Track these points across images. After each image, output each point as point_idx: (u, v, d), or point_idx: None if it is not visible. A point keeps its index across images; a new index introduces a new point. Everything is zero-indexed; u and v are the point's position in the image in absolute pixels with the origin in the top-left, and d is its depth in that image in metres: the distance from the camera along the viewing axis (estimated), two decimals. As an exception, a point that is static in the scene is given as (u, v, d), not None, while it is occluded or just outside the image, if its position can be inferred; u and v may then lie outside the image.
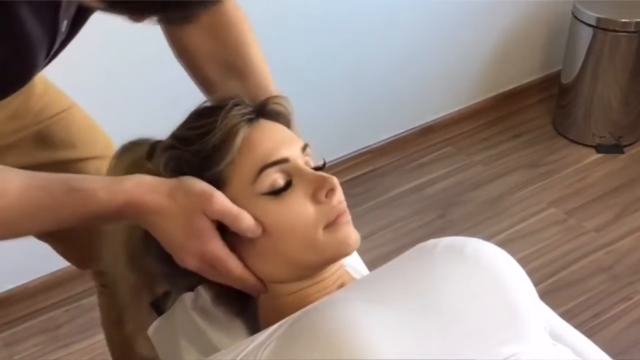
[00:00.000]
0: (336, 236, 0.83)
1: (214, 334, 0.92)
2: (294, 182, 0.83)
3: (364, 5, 2.25)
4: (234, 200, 0.82)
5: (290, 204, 0.82)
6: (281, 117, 0.91)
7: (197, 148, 0.84)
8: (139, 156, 0.91)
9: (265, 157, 0.83)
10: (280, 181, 0.83)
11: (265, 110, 0.90)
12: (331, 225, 0.83)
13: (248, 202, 0.83)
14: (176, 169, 0.84)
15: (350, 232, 0.84)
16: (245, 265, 0.85)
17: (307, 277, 0.86)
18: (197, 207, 0.81)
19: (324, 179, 0.83)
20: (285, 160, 0.84)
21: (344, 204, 0.85)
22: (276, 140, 0.85)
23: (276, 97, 0.91)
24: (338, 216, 0.83)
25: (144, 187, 0.81)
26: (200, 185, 0.82)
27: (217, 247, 0.82)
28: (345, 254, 0.85)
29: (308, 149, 0.88)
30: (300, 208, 0.82)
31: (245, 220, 0.81)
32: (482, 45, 2.62)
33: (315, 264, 0.85)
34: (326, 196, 0.83)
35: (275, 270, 0.85)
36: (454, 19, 2.46)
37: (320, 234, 0.82)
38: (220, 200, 0.81)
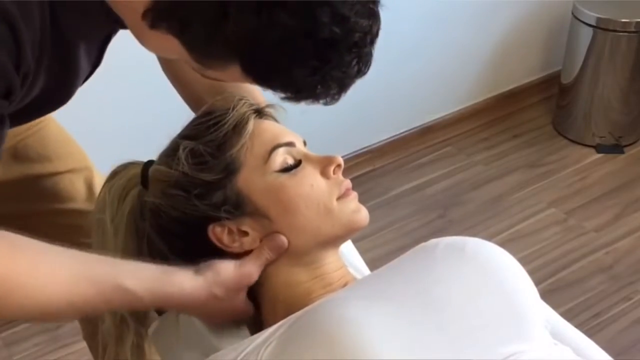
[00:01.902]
0: (350, 206, 0.89)
1: (214, 333, 0.92)
2: (303, 162, 0.89)
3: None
4: (249, 180, 0.86)
5: (303, 177, 0.87)
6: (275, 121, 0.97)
7: (210, 138, 0.88)
8: (130, 178, 0.94)
9: (275, 139, 0.89)
10: (290, 160, 0.88)
11: (264, 112, 0.95)
12: (343, 197, 0.88)
13: (264, 180, 0.87)
14: (191, 159, 0.88)
15: (361, 205, 0.90)
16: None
17: (320, 259, 0.89)
18: (238, 290, 0.88)
19: (330, 157, 0.90)
20: (292, 144, 0.90)
21: (349, 181, 0.90)
22: (282, 129, 0.92)
23: (270, 105, 0.96)
24: (347, 189, 0.89)
25: (186, 292, 0.85)
26: (229, 271, 0.87)
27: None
28: (360, 224, 0.89)
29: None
30: (312, 180, 0.88)
31: (274, 242, 0.87)
32: (482, 45, 2.62)
33: (333, 235, 0.89)
34: (334, 172, 0.89)
35: (296, 247, 0.88)
36: (454, 18, 2.46)
37: (335, 203, 0.87)
38: (249, 268, 0.87)
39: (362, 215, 0.89)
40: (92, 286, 0.80)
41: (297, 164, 0.88)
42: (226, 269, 0.86)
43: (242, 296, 0.89)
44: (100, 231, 0.95)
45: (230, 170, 0.87)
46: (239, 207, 0.86)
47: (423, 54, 2.46)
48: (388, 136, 2.57)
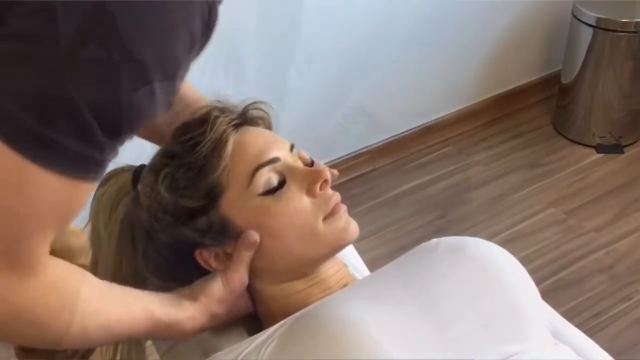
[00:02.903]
0: (337, 225, 0.86)
1: (214, 334, 0.92)
2: (287, 180, 0.85)
3: (363, 4, 2.25)
4: (233, 204, 0.84)
5: (287, 200, 0.84)
6: (262, 121, 0.93)
7: (190, 160, 0.85)
8: (123, 184, 0.93)
9: (257, 159, 0.85)
10: (274, 180, 0.85)
11: (247, 116, 0.91)
12: (330, 215, 0.85)
13: (247, 205, 0.84)
14: (172, 186, 0.85)
15: (349, 220, 0.87)
16: (253, 267, 0.87)
17: (313, 271, 0.88)
18: (236, 299, 0.89)
19: (316, 172, 0.86)
20: (276, 160, 0.86)
21: (338, 195, 0.87)
22: (265, 142, 0.88)
23: (255, 102, 0.93)
24: (335, 206, 0.86)
25: (187, 328, 0.86)
26: (219, 289, 0.87)
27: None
28: (347, 242, 0.87)
29: (295, 149, 0.90)
30: (297, 203, 0.84)
31: (246, 242, 0.85)
32: (482, 45, 2.62)
33: (319, 256, 0.87)
34: (320, 188, 0.86)
35: (283, 269, 0.87)
36: (454, 18, 2.46)
37: (321, 225, 0.85)
38: (236, 277, 0.87)
39: (350, 232, 0.87)
40: (129, 325, 0.81)
41: (282, 183, 0.85)
42: (217, 288, 0.86)
43: (243, 300, 0.89)
44: (95, 236, 0.94)
45: (213, 195, 0.84)
46: (223, 231, 0.85)
47: (423, 54, 2.45)
48: (388, 136, 2.57)
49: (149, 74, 0.64)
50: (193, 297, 0.85)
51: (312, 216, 0.84)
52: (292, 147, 0.89)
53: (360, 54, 2.32)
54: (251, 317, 0.91)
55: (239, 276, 0.86)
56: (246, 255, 0.85)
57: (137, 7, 0.62)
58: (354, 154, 2.52)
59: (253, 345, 0.80)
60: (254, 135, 0.88)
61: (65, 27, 0.60)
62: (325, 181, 0.86)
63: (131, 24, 0.61)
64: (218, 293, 0.85)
